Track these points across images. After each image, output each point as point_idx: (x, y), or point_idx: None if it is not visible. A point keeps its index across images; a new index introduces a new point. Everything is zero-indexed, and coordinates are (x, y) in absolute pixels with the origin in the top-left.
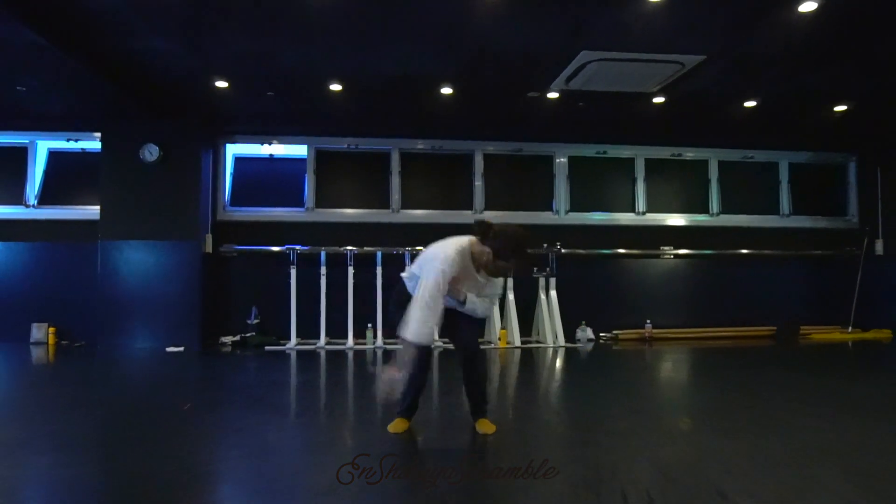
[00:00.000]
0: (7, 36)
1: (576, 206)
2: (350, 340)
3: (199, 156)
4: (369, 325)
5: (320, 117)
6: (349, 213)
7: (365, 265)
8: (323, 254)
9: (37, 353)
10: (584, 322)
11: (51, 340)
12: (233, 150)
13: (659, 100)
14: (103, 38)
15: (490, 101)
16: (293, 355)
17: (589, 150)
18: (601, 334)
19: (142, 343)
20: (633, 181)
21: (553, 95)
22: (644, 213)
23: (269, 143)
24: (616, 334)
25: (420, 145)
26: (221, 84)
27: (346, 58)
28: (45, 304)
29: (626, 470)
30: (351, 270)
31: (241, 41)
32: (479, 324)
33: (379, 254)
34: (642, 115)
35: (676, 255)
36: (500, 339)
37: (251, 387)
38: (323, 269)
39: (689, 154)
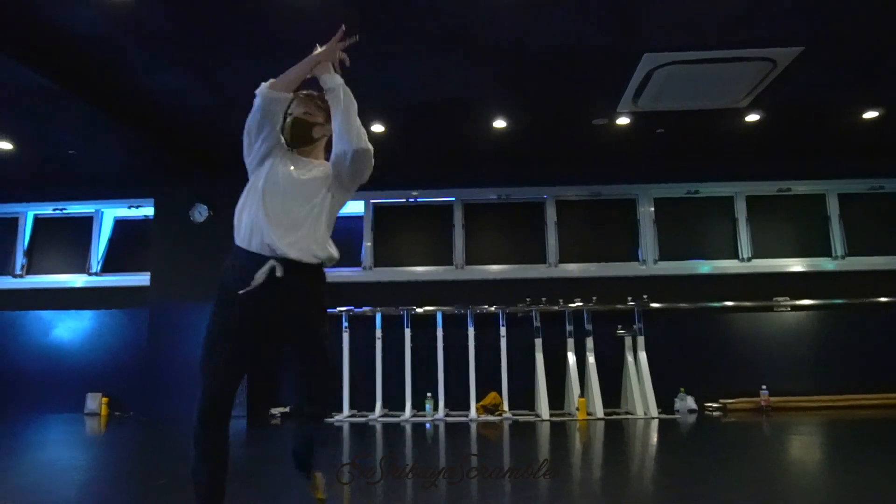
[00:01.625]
0: (18, 80)
1: (666, 255)
2: (408, 412)
3: None
4: (429, 394)
5: (374, 168)
6: (409, 272)
7: (424, 327)
8: (378, 315)
9: (89, 426)
10: (683, 389)
11: (103, 411)
12: None
13: (753, 117)
14: (115, 78)
15: (553, 136)
16: (345, 428)
17: (678, 190)
18: (707, 404)
19: (189, 413)
20: (734, 223)
21: (623, 122)
22: (750, 260)
23: None
24: (724, 404)
25: (485, 195)
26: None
27: (370, 80)
28: (99, 372)
29: None
30: (408, 332)
31: (253, 69)
32: (328, 373)
33: (439, 314)
34: (736, 142)
35: (794, 308)
36: (578, 409)
37: (260, 463)
38: (378, 332)
39: (801, 188)
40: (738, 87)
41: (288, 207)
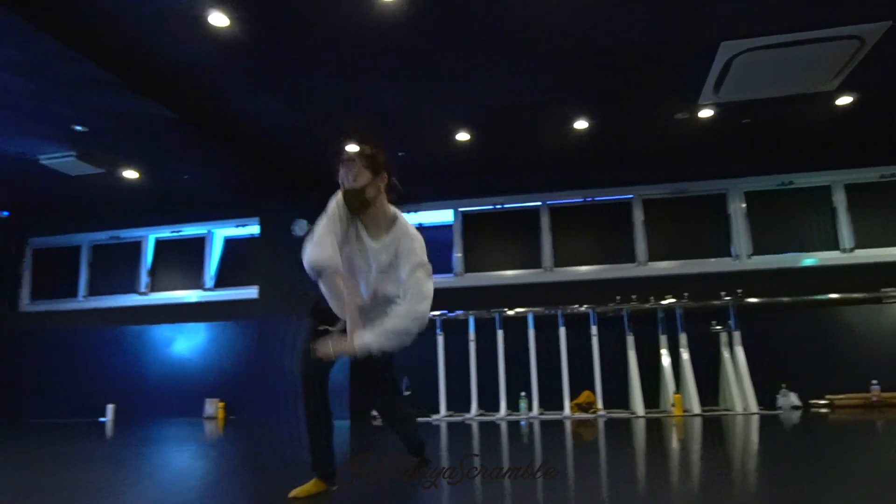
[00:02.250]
0: (145, 111)
1: (760, 249)
2: (502, 411)
3: None
4: (522, 393)
5: (461, 177)
6: (499, 276)
7: (516, 329)
8: (471, 318)
9: (207, 429)
10: (784, 385)
11: (220, 415)
12: None
13: (845, 100)
14: (217, 103)
15: (635, 134)
16: (442, 427)
17: (769, 183)
18: (811, 401)
19: (291, 414)
20: (832, 212)
21: (707, 114)
22: (852, 250)
23: (415, 212)
24: (831, 400)
25: (570, 198)
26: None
27: (452, 92)
28: (216, 379)
29: None
30: (501, 334)
31: (338, 90)
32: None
33: (530, 316)
34: (829, 128)
35: None
36: (674, 405)
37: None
38: (472, 335)
39: None
40: (825, 69)
41: (356, 273)
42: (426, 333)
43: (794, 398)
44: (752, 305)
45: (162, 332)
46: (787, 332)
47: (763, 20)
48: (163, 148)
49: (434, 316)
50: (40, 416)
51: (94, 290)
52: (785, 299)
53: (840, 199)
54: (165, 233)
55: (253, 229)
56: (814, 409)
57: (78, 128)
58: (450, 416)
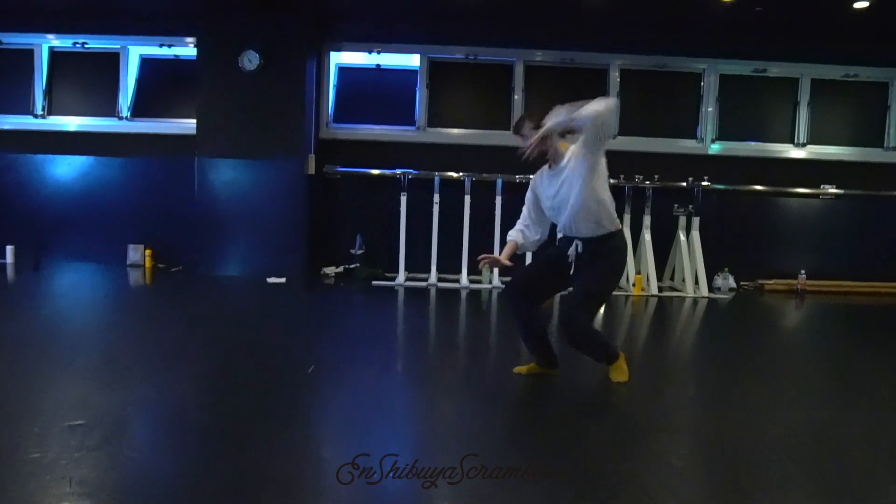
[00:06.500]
0: None
1: (724, 134)
2: (464, 278)
3: (304, 64)
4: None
5: (434, 19)
6: (466, 134)
7: (484, 192)
8: (437, 179)
9: (134, 277)
10: (726, 268)
11: (147, 263)
12: (336, 59)
13: (862, 5)
14: None
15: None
16: (401, 293)
17: (745, 68)
18: (742, 283)
19: (241, 270)
20: (795, 105)
21: None
22: (805, 145)
23: (377, 52)
24: (761, 284)
25: (546, 57)
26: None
27: None
28: (140, 224)
29: None
30: (468, 199)
31: None
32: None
33: (499, 180)
34: (799, 20)
35: (839, 196)
36: (634, 285)
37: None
38: (436, 197)
39: (867, 74)
40: None
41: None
42: (386, 190)
43: (731, 281)
44: (709, 191)
45: (69, 163)
46: (732, 219)
47: None
48: None
49: (399, 171)
50: None
51: None
52: (735, 187)
53: (804, 93)
54: (66, 43)
55: (181, 51)
56: (745, 289)
57: None
58: (409, 279)
